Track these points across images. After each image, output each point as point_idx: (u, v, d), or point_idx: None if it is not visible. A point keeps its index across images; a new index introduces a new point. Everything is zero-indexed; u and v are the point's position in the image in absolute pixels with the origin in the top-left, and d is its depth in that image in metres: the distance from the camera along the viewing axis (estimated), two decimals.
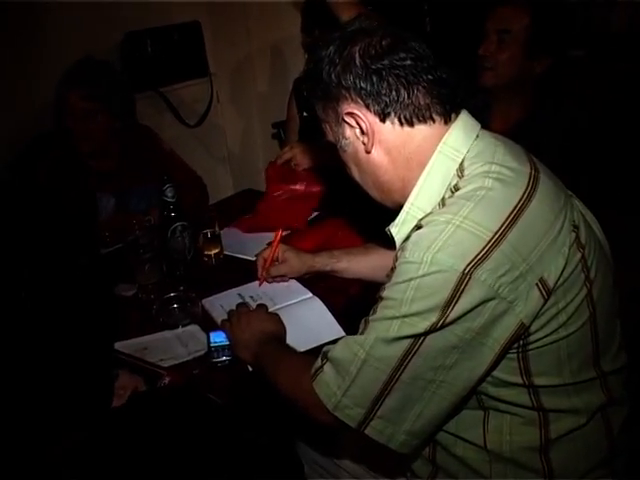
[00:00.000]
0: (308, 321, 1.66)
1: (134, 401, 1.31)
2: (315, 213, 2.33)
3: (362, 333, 1.09)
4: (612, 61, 4.65)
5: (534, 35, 1.98)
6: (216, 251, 2.05)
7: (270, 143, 3.35)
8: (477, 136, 1.15)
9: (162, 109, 3.05)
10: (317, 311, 1.71)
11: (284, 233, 2.08)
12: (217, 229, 2.06)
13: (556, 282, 1.03)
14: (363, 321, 1.12)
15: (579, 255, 1.07)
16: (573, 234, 1.08)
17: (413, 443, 1.09)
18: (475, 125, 1.18)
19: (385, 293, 1.07)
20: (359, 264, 1.78)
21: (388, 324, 1.04)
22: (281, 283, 1.85)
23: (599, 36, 4.88)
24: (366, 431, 1.09)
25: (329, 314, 1.69)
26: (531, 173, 1.11)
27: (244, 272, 1.95)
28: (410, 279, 1.02)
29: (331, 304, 1.73)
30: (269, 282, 1.85)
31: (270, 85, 3.51)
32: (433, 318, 1.00)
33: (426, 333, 1.01)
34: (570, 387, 1.10)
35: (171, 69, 3.05)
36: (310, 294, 1.79)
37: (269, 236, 2.10)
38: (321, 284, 1.82)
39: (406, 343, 1.03)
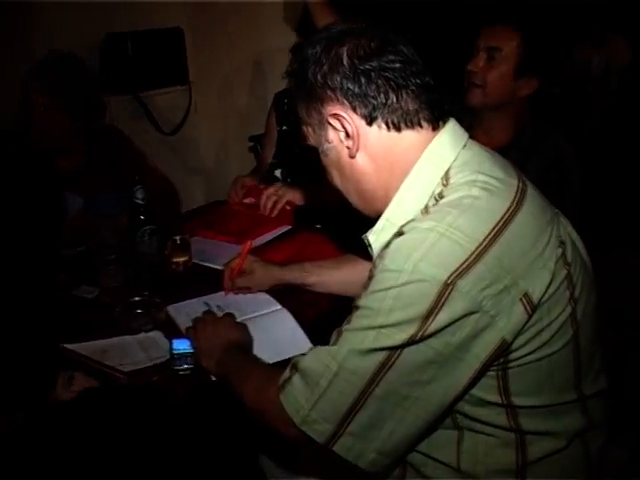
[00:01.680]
0: (276, 333, 1.61)
1: (85, 395, 1.23)
2: (287, 227, 2.30)
3: (335, 344, 1.03)
4: (591, 99, 4.78)
5: (524, 55, 1.99)
6: (185, 258, 1.99)
7: (246, 156, 3.31)
8: (465, 145, 1.12)
9: (138, 114, 3.00)
10: (286, 323, 1.66)
11: (255, 244, 2.05)
12: (187, 236, 2.01)
13: (541, 298, 0.99)
14: (336, 331, 1.06)
15: (565, 272, 1.04)
16: (559, 250, 1.05)
17: (384, 462, 1.04)
18: (463, 134, 1.14)
19: (361, 302, 1.02)
20: (330, 278, 1.73)
21: (363, 335, 0.99)
22: (250, 294, 1.80)
23: (580, 76, 5.02)
24: (334, 448, 1.03)
25: (298, 327, 1.64)
26: (519, 185, 1.08)
27: (212, 281, 1.89)
28: (389, 288, 0.97)
29: (301, 318, 1.67)
30: (235, 293, 1.81)
31: (249, 98, 3.48)
32: (411, 330, 0.95)
33: (403, 346, 0.96)
34: (550, 409, 1.06)
35: (150, 74, 2.99)
36: (279, 306, 1.73)
37: (239, 247, 2.09)
38: (292, 297, 1.77)
39: (381, 356, 0.97)
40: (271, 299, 1.77)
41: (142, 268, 1.88)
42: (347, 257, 1.73)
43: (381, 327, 0.97)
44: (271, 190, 2.37)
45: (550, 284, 1.00)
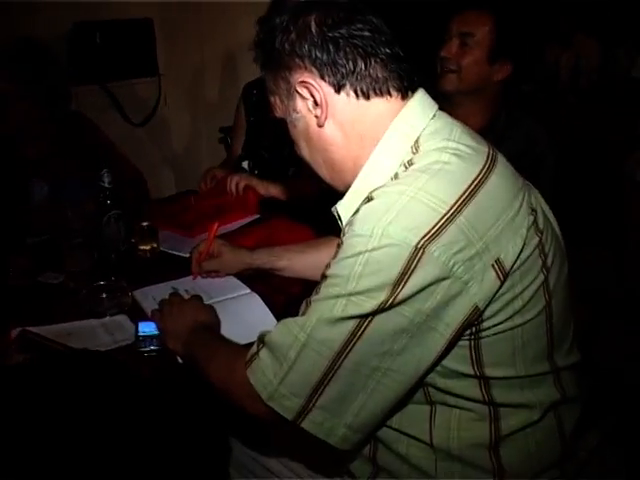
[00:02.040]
0: (245, 317, 1.58)
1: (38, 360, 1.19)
2: (256, 216, 2.29)
3: (303, 314, 1.01)
4: (560, 96, 4.85)
5: (497, 40, 2.01)
6: (152, 245, 1.96)
7: (216, 147, 3.28)
8: (434, 115, 1.10)
9: (107, 105, 2.96)
10: (255, 307, 1.63)
11: (222, 229, 2.03)
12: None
13: (513, 264, 0.97)
14: (305, 302, 1.03)
15: (537, 239, 1.03)
16: (531, 217, 1.03)
17: (354, 438, 1.01)
18: (433, 104, 1.13)
19: (330, 270, 1.00)
20: (300, 262, 1.70)
21: (332, 303, 0.96)
22: (218, 279, 1.77)
23: (551, 74, 5.09)
24: (303, 424, 1.00)
25: (267, 311, 1.61)
26: (489, 152, 1.07)
27: (180, 268, 1.86)
28: (358, 253, 0.95)
29: (271, 303, 1.65)
30: (203, 277, 1.78)
31: (219, 90, 3.45)
32: (382, 296, 0.93)
33: (374, 313, 0.94)
34: (523, 380, 1.05)
35: (119, 65, 2.96)
36: (248, 290, 1.71)
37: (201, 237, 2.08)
38: (261, 282, 1.75)
39: (351, 324, 0.95)
40: (240, 283, 1.74)
41: (108, 253, 1.85)
42: (318, 240, 1.72)
43: (350, 295, 0.95)
44: (236, 175, 2.38)
45: (522, 250, 0.99)
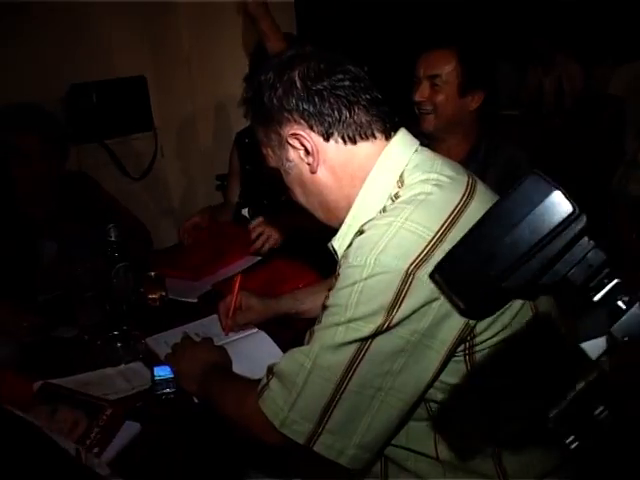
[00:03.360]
0: (255, 355, 1.63)
1: None
2: (258, 258, 2.34)
3: (308, 343, 1.09)
4: (545, 119, 4.94)
5: (464, 74, 2.08)
6: (161, 293, 2.03)
7: (213, 195, 3.36)
8: (416, 150, 1.19)
9: (106, 162, 3.05)
10: (264, 345, 1.70)
11: (224, 274, 2.09)
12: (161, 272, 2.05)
13: None
14: (308, 332, 1.12)
15: None
16: None
17: (364, 457, 1.08)
18: (414, 141, 1.22)
19: (329, 301, 1.08)
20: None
21: (334, 331, 1.04)
22: None
23: (533, 98, 5.19)
24: (315, 447, 1.07)
25: (276, 348, 1.67)
26: (468, 181, 1.16)
27: (188, 313, 1.93)
28: (354, 282, 1.03)
29: (279, 339, 1.71)
30: (235, 331, 1.78)
31: (214, 139, 3.55)
32: (378, 320, 1.01)
33: (372, 336, 1.01)
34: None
35: (116, 122, 3.06)
36: (256, 329, 1.77)
37: (211, 279, 2.17)
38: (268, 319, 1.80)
39: (352, 348, 1.03)
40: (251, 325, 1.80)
41: (119, 304, 1.91)
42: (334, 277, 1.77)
43: (349, 321, 1.03)
44: (257, 226, 2.31)
45: None
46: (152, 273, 2.02)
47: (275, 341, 1.71)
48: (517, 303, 1.08)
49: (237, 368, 1.52)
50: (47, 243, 2.33)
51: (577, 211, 0.64)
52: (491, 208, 0.69)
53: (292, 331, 1.78)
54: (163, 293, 2.03)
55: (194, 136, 3.56)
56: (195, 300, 2.06)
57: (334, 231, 1.25)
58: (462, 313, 0.75)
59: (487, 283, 0.66)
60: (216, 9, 3.29)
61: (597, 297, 0.63)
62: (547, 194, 0.65)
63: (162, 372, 1.52)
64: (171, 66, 3.34)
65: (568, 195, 0.65)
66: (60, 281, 2.10)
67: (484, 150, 2.14)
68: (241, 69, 2.60)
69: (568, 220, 0.64)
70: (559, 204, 0.64)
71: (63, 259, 2.29)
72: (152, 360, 1.64)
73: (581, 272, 0.64)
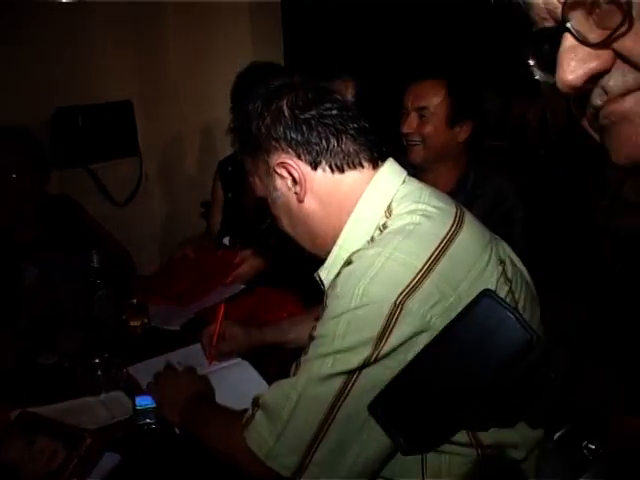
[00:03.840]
0: (238, 384, 1.63)
1: None
2: (242, 286, 2.33)
3: (294, 374, 1.08)
4: (530, 150, 5.01)
5: (452, 105, 2.07)
6: (143, 321, 2.00)
7: (197, 222, 3.35)
8: (404, 180, 1.20)
9: (90, 186, 3.04)
10: (247, 375, 1.69)
11: (208, 304, 2.08)
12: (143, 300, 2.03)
13: None
14: (295, 364, 1.11)
15: (506, 288, 1.11)
16: (500, 268, 1.12)
17: None
18: (402, 170, 1.23)
19: (316, 332, 1.07)
20: (308, 332, 1.74)
21: (320, 362, 1.04)
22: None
23: (517, 129, 5.26)
24: None
25: (260, 378, 1.66)
26: (456, 212, 1.16)
27: (170, 342, 1.92)
28: (342, 313, 1.02)
29: (263, 369, 1.70)
30: (219, 360, 1.76)
31: (199, 165, 3.55)
32: (366, 352, 1.00)
33: (360, 368, 1.01)
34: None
35: (101, 147, 3.05)
36: (239, 358, 1.76)
37: (195, 307, 2.14)
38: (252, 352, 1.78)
39: (340, 380, 1.02)
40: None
41: (100, 331, 1.88)
42: (319, 308, 1.76)
43: (337, 352, 1.02)
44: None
45: None
46: (134, 300, 2.00)
47: (259, 371, 1.70)
48: None
49: (220, 398, 1.50)
50: (29, 267, 2.30)
51: (534, 339, 0.58)
52: (441, 333, 0.64)
53: (276, 361, 1.77)
54: (145, 320, 2.01)
55: (179, 162, 3.56)
56: (177, 328, 2.04)
57: (320, 260, 1.25)
58: (402, 450, 0.69)
59: (433, 417, 0.60)
60: (204, 36, 3.32)
61: (556, 436, 0.57)
62: (502, 319, 0.59)
63: (144, 402, 1.51)
64: (158, 91, 3.35)
65: (523, 320, 0.58)
66: (41, 307, 2.08)
67: (472, 181, 2.14)
68: (228, 96, 2.60)
69: (524, 349, 0.57)
70: (515, 331, 0.58)
71: (45, 284, 2.27)
72: (133, 389, 1.63)
73: (539, 408, 0.58)
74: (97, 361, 1.69)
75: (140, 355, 1.81)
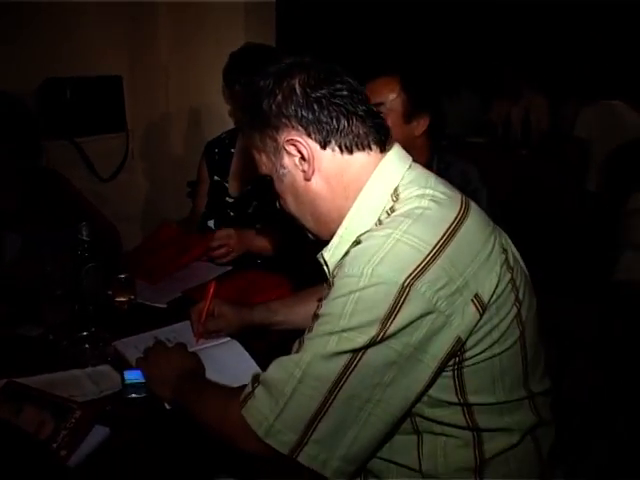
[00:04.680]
0: (227, 363, 1.62)
1: None
2: (229, 267, 2.32)
3: (298, 352, 1.07)
4: (511, 151, 5.07)
5: (408, 101, 2.07)
6: (129, 297, 1.99)
7: (183, 201, 3.33)
8: (410, 166, 1.21)
9: (76, 160, 3.00)
10: (236, 353, 1.68)
11: (195, 284, 2.08)
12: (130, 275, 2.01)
13: (490, 298, 1.06)
14: (298, 341, 1.10)
15: (509, 275, 1.12)
16: (503, 256, 1.13)
17: (348, 469, 1.06)
18: (407, 156, 1.24)
19: (322, 310, 1.07)
20: (297, 314, 1.73)
21: (326, 340, 1.03)
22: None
23: (499, 127, 5.32)
24: (299, 458, 1.05)
25: (248, 356, 1.65)
26: (462, 198, 1.18)
27: (157, 319, 1.90)
28: (350, 292, 1.02)
29: (252, 350, 1.69)
30: (206, 338, 1.75)
31: (186, 145, 3.52)
32: (372, 332, 1.00)
33: (365, 347, 1.01)
34: (503, 406, 1.12)
35: (88, 120, 3.01)
36: (228, 337, 1.75)
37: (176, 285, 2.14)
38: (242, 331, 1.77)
39: (344, 359, 1.02)
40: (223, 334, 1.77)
41: (87, 304, 1.86)
42: (309, 291, 1.75)
43: (343, 331, 1.01)
44: (222, 235, 2.36)
45: (497, 286, 1.08)
46: (122, 276, 1.97)
47: (247, 351, 1.69)
48: (506, 321, 1.10)
49: (209, 375, 1.48)
50: (10, 237, 2.26)
51: None
52: None
53: (265, 342, 1.77)
54: (132, 297, 1.99)
55: (166, 141, 3.53)
56: (164, 305, 2.03)
57: (320, 243, 1.25)
58: None
59: None
60: (197, 17, 3.28)
61: None
62: None
63: (132, 376, 1.48)
64: (148, 69, 3.32)
65: None
66: (22, 277, 2.04)
67: (435, 170, 2.14)
68: (218, 77, 2.58)
69: None
70: None
71: (27, 254, 2.23)
72: (120, 364, 1.60)
73: None
74: (85, 334, 1.67)
75: (126, 331, 1.78)
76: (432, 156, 2.18)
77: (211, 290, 1.77)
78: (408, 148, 2.09)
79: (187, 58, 3.37)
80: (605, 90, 4.64)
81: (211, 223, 2.66)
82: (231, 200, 2.62)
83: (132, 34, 3.22)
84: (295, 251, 2.17)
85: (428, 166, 2.11)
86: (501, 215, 2.13)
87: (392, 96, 2.06)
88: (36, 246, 2.27)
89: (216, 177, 2.69)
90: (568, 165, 4.72)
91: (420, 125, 2.10)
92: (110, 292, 1.97)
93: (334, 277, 1.09)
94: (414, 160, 2.01)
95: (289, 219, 1.31)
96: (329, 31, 4.37)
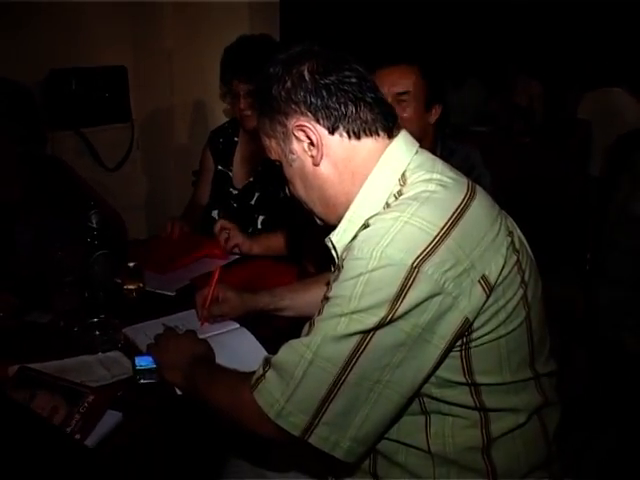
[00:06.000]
0: (237, 350, 1.63)
1: None
2: (236, 256, 2.34)
3: (308, 334, 1.09)
4: (513, 137, 5.07)
5: (429, 89, 2.10)
6: (138, 285, 2.01)
7: (187, 191, 3.33)
8: (417, 151, 1.23)
9: (81, 150, 3.01)
10: (245, 340, 1.70)
11: (202, 272, 2.09)
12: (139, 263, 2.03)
13: (496, 280, 1.08)
14: (308, 323, 1.12)
15: (515, 257, 1.14)
16: (509, 238, 1.15)
17: (358, 450, 1.08)
18: (414, 142, 1.26)
19: (332, 292, 1.09)
20: (302, 300, 1.76)
21: (336, 322, 1.05)
22: None
23: (503, 116, 5.33)
24: (310, 439, 1.07)
25: (257, 343, 1.67)
26: (468, 182, 1.20)
27: (165, 306, 1.92)
28: (359, 274, 1.04)
29: (258, 336, 1.71)
30: (210, 322, 1.78)
31: (190, 135, 3.53)
32: (382, 313, 1.02)
33: (375, 328, 1.03)
34: (510, 386, 1.15)
35: (93, 111, 3.02)
36: (237, 324, 1.77)
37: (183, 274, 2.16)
38: (248, 316, 1.79)
39: (354, 340, 1.04)
40: (228, 319, 1.79)
41: (97, 291, 1.88)
42: (315, 278, 1.78)
43: (353, 312, 1.04)
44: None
45: (503, 267, 1.10)
46: (131, 264, 1.99)
47: (254, 336, 1.71)
48: (512, 303, 1.12)
49: (220, 362, 1.50)
50: (21, 230, 2.27)
51: None
52: None
53: (272, 329, 1.79)
54: (140, 285, 2.01)
55: (171, 131, 3.55)
56: (173, 293, 2.05)
57: (328, 228, 1.27)
58: None
59: None
60: (201, 6, 3.28)
61: None
62: None
63: (144, 362, 1.51)
64: (152, 59, 3.32)
65: None
66: (35, 267, 2.05)
67: (439, 156, 2.15)
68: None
69: None
70: None
71: (38, 246, 2.24)
72: (130, 350, 1.63)
73: None
74: (95, 321, 1.69)
75: (135, 318, 1.80)
76: (436, 144, 2.19)
77: (216, 275, 1.79)
78: (421, 137, 2.13)
79: (191, 49, 3.37)
80: (605, 77, 4.67)
81: (215, 213, 2.67)
82: (235, 192, 2.63)
83: (136, 25, 3.23)
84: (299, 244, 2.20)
85: (432, 153, 2.16)
86: (505, 202, 2.17)
87: (416, 83, 2.08)
88: (46, 235, 2.28)
89: (220, 167, 2.69)
90: (571, 150, 4.74)
91: (434, 114, 2.13)
92: (119, 280, 1.98)
93: (343, 260, 1.10)
94: (421, 146, 2.04)
95: (297, 204, 1.32)
96: (332, 29, 4.38)
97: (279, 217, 2.44)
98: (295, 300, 1.78)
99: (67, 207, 2.25)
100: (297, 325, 1.76)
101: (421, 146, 2.09)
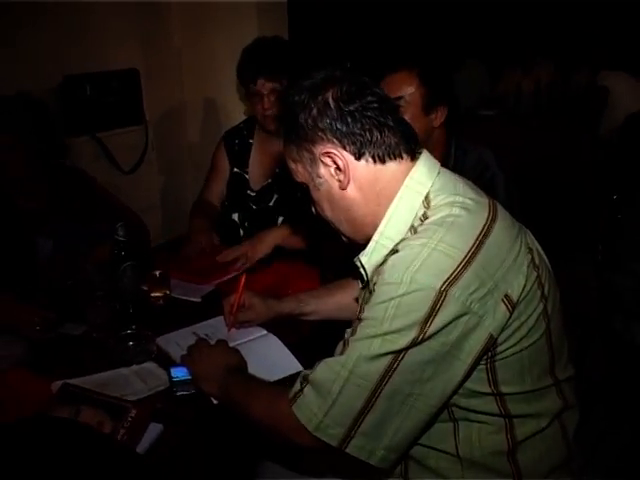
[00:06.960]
0: (266, 357, 1.70)
1: None
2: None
3: (343, 353, 1.16)
4: (522, 120, 5.09)
5: (426, 93, 2.08)
6: (165, 292, 2.06)
7: None
8: (439, 172, 1.28)
9: (97, 155, 3.05)
10: (274, 347, 1.76)
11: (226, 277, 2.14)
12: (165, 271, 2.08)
13: (519, 297, 1.15)
14: (341, 343, 1.19)
15: (535, 274, 1.21)
16: (529, 256, 1.22)
17: (391, 457, 1.16)
18: (436, 163, 1.31)
19: (365, 314, 1.16)
20: (326, 305, 1.83)
21: (369, 342, 1.12)
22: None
23: (510, 99, 5.33)
24: (347, 449, 1.15)
25: (286, 350, 1.73)
26: (489, 203, 1.26)
27: (192, 313, 1.98)
28: (390, 298, 1.11)
29: (284, 342, 1.77)
30: (237, 328, 1.84)
31: (202, 134, 3.56)
32: (412, 334, 1.09)
33: (407, 348, 1.10)
34: (532, 394, 1.22)
35: (108, 115, 3.05)
36: (265, 331, 1.83)
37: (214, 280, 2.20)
38: (274, 324, 1.85)
39: (387, 359, 1.11)
40: (256, 326, 1.86)
41: (126, 303, 1.94)
42: (338, 283, 1.85)
43: (385, 334, 1.11)
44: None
45: (525, 285, 1.17)
46: (157, 272, 2.05)
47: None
48: (533, 317, 1.19)
49: (251, 369, 1.56)
50: (42, 240, 2.31)
51: None
52: None
53: (297, 335, 1.86)
54: (167, 292, 2.06)
55: (184, 131, 3.57)
56: (199, 300, 2.10)
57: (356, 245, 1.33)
58: None
59: None
60: (209, 5, 3.30)
61: None
62: None
63: (179, 373, 1.56)
64: (162, 58, 3.34)
65: None
66: (58, 278, 2.11)
67: (453, 157, 2.18)
68: (233, 65, 2.61)
69: None
70: None
71: (60, 257, 2.28)
72: (163, 360, 1.69)
73: None
74: (129, 332, 1.74)
75: (164, 326, 1.86)
76: (449, 145, 2.21)
77: (242, 282, 1.85)
78: (427, 139, 2.17)
79: (201, 49, 3.39)
80: (616, 59, 4.67)
81: (235, 217, 2.69)
82: (253, 194, 2.65)
83: (144, 24, 3.24)
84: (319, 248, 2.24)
85: (446, 156, 2.19)
86: (518, 185, 2.20)
87: (411, 89, 2.08)
88: (68, 244, 2.33)
89: (236, 169, 2.69)
90: (589, 118, 4.73)
91: (439, 116, 2.14)
92: (145, 288, 2.04)
93: (374, 283, 1.17)
94: (432, 150, 2.08)
95: (324, 224, 1.38)
96: (340, 29, 4.39)
97: (299, 218, 2.47)
98: (320, 305, 1.85)
99: (88, 217, 2.30)
100: (320, 332, 1.85)
101: (432, 150, 2.15)
